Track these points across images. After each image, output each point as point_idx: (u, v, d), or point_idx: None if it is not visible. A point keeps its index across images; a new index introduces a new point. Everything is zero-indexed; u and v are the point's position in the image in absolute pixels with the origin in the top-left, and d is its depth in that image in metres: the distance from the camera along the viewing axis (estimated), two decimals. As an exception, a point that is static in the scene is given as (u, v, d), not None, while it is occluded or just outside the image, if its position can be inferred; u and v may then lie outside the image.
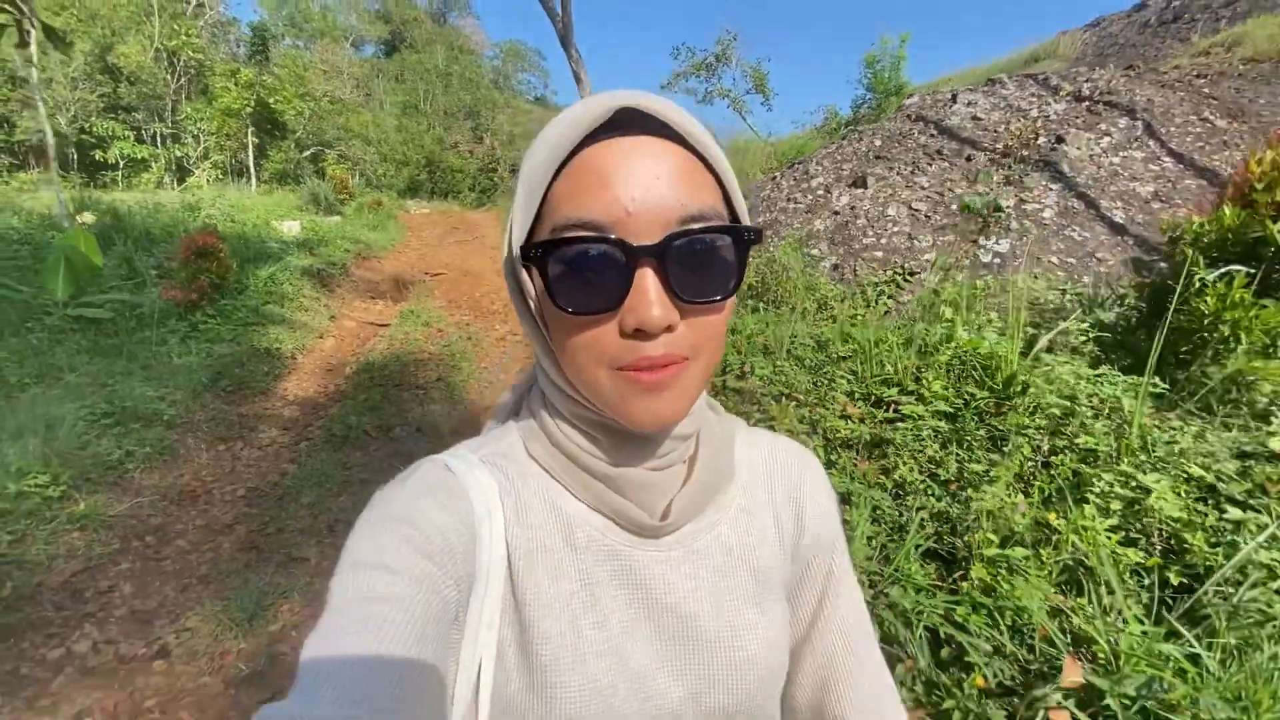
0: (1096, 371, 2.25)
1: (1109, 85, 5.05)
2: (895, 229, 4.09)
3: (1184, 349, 2.34)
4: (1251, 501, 1.61)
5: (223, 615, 2.27)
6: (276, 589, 2.44)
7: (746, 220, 0.45)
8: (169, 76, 23.95)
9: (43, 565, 2.44)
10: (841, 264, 4.05)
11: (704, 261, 0.40)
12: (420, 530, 0.40)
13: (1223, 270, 2.16)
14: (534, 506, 0.46)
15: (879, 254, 3.97)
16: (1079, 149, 4.29)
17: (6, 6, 6.23)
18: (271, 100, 22.71)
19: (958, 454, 2.00)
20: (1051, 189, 4.03)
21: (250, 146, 22.63)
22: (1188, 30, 9.65)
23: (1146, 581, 1.54)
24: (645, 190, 0.38)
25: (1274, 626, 1.33)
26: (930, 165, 4.56)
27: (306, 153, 24.27)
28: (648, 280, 0.38)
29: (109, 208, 8.18)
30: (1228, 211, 2.36)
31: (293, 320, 5.74)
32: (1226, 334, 2.19)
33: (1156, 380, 2.08)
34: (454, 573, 0.41)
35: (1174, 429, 1.96)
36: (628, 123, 0.39)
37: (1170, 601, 1.49)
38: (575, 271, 0.38)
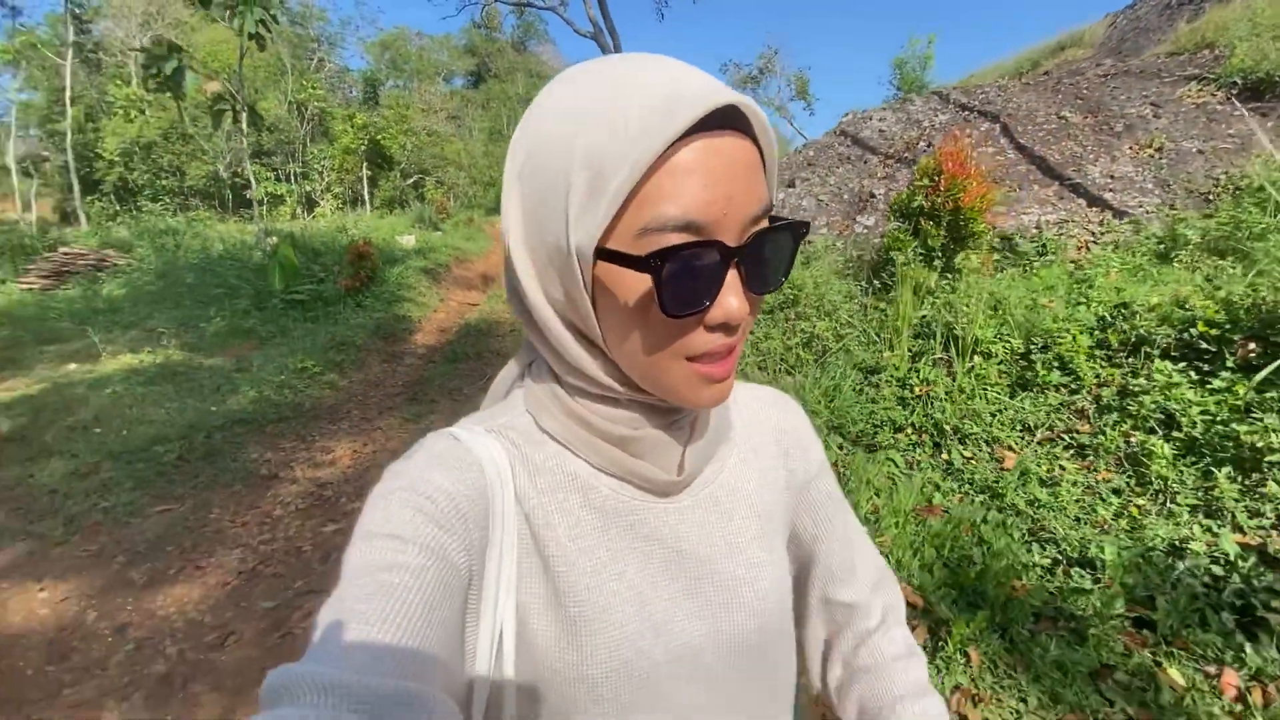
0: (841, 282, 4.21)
1: (990, 96, 6.69)
2: (804, 214, 6.02)
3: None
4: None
5: (401, 420, 4.63)
6: (426, 413, 4.79)
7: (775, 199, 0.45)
8: (299, 123, 28.28)
9: (314, 401, 4.92)
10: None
11: (775, 256, 0.42)
12: (429, 499, 0.41)
13: (894, 225, 4.02)
14: (545, 471, 0.47)
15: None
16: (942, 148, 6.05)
17: (230, 101, 9.27)
18: (380, 138, 26.61)
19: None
20: (901, 177, 5.80)
21: (364, 178, 26.68)
22: (1194, 14, 9.86)
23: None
24: (737, 190, 0.38)
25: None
26: (839, 168, 6.40)
27: (410, 180, 28.08)
28: (735, 278, 0.39)
29: (285, 232, 11.28)
30: (905, 192, 4.20)
31: (416, 300, 8.38)
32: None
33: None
34: (465, 539, 0.42)
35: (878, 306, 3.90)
36: (715, 118, 0.37)
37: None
38: (680, 275, 0.38)
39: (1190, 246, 3.92)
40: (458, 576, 0.41)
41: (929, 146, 6.19)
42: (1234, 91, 6.10)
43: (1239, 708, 1.60)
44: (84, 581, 2.60)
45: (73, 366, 6.00)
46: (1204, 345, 2.74)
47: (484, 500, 0.44)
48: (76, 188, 20.78)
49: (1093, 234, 4.98)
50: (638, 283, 0.39)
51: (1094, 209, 5.29)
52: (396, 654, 0.34)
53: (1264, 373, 2.45)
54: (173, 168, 25.33)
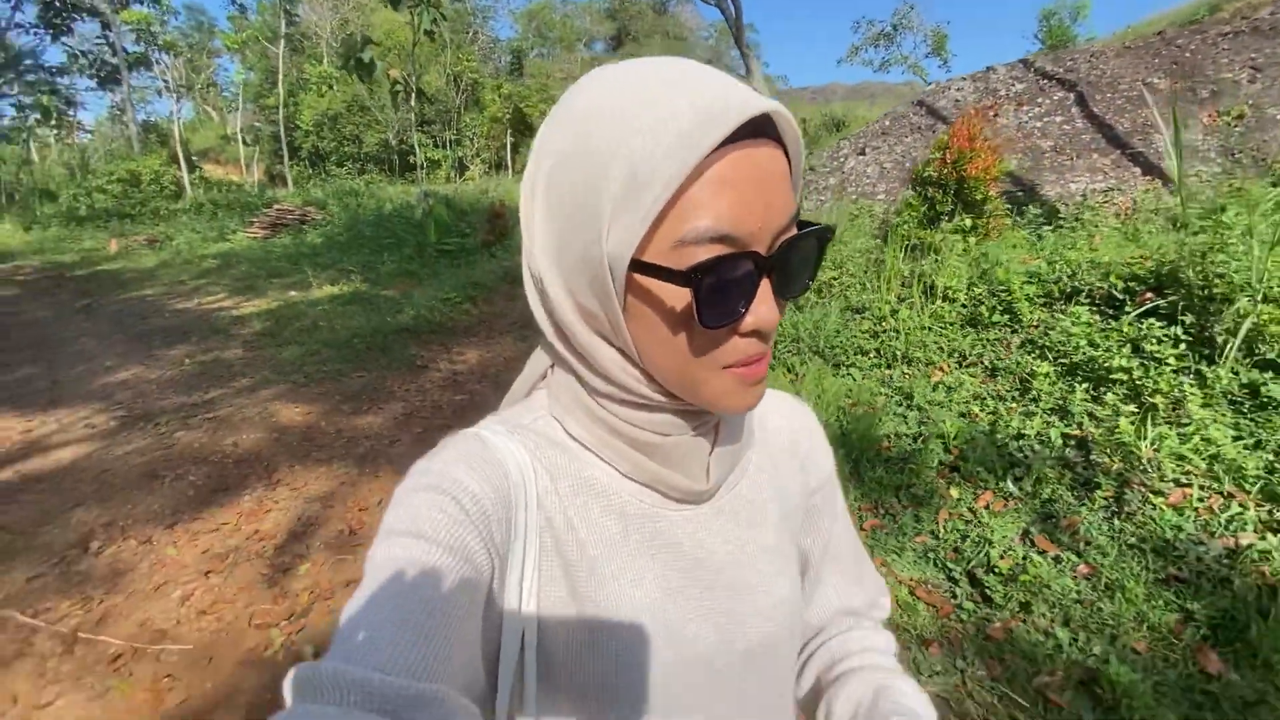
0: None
1: (1076, 64, 6.74)
2: (867, 181, 6.64)
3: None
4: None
5: (514, 340, 6.09)
6: (533, 338, 6.23)
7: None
8: (454, 94, 31.17)
9: (454, 321, 6.53)
10: (833, 205, 6.74)
11: (803, 262, 0.42)
12: (455, 499, 0.41)
13: (908, 193, 4.67)
14: (568, 475, 0.48)
15: (854, 197, 6.56)
16: (1007, 120, 6.31)
17: (399, 77, 11.24)
18: (523, 106, 28.86)
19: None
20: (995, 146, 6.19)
21: (508, 144, 29.20)
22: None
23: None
24: (770, 201, 0.38)
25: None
26: (908, 138, 6.86)
27: (548, 146, 30.22)
28: (769, 287, 0.39)
29: (440, 194, 13.40)
30: (921, 163, 4.78)
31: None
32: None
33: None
34: (489, 540, 0.41)
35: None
36: (748, 127, 0.37)
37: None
38: (718, 287, 0.38)
39: (1191, 213, 4.28)
40: (481, 578, 0.40)
41: (995, 116, 6.54)
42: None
43: (980, 507, 2.50)
44: (316, 408, 4.27)
45: (293, 293, 8.18)
46: (1116, 295, 3.38)
47: (508, 502, 0.44)
48: (285, 154, 24.82)
49: (1134, 201, 5.26)
50: (675, 296, 0.39)
51: (1147, 177, 5.50)
52: (419, 655, 0.34)
53: (1135, 313, 3.11)
54: (353, 136, 29.27)
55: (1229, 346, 2.72)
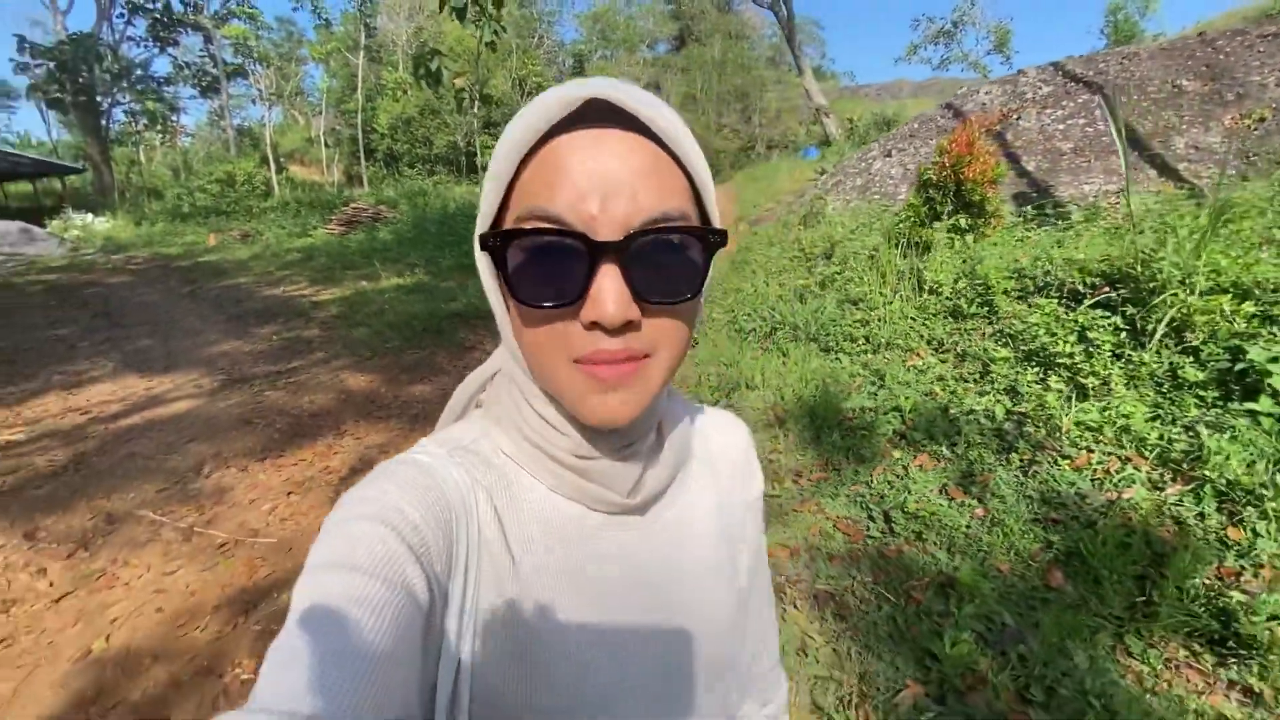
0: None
1: (1107, 67, 6.79)
2: (890, 183, 6.93)
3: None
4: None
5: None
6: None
7: (717, 220, 0.44)
8: (519, 97, 32.33)
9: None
10: (858, 203, 7.05)
11: (668, 262, 0.40)
12: (393, 529, 0.39)
13: (912, 195, 5.00)
14: (505, 496, 0.47)
15: (877, 196, 6.86)
16: (1029, 122, 6.46)
17: (464, 85, 12.14)
18: (583, 108, 29.73)
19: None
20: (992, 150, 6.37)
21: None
22: None
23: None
24: (611, 186, 0.37)
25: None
26: (933, 140, 7.09)
27: (605, 146, 31.01)
28: (609, 277, 0.38)
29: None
30: (924, 166, 5.08)
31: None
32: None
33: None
34: (429, 570, 0.40)
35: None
36: (599, 115, 0.38)
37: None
38: (536, 264, 0.38)
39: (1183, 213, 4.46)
40: (419, 610, 0.38)
41: (1017, 119, 6.72)
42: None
43: (914, 466, 2.92)
44: (379, 377, 5.02)
45: (364, 283, 9.12)
46: (1080, 289, 3.69)
47: (449, 529, 0.42)
48: (363, 156, 26.52)
49: (1145, 203, 5.39)
50: (502, 270, 0.40)
51: (1163, 179, 5.62)
52: (352, 699, 0.32)
53: (1088, 304, 3.43)
54: (424, 138, 30.93)
55: (1155, 334, 3.03)
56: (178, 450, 3.77)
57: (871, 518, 2.65)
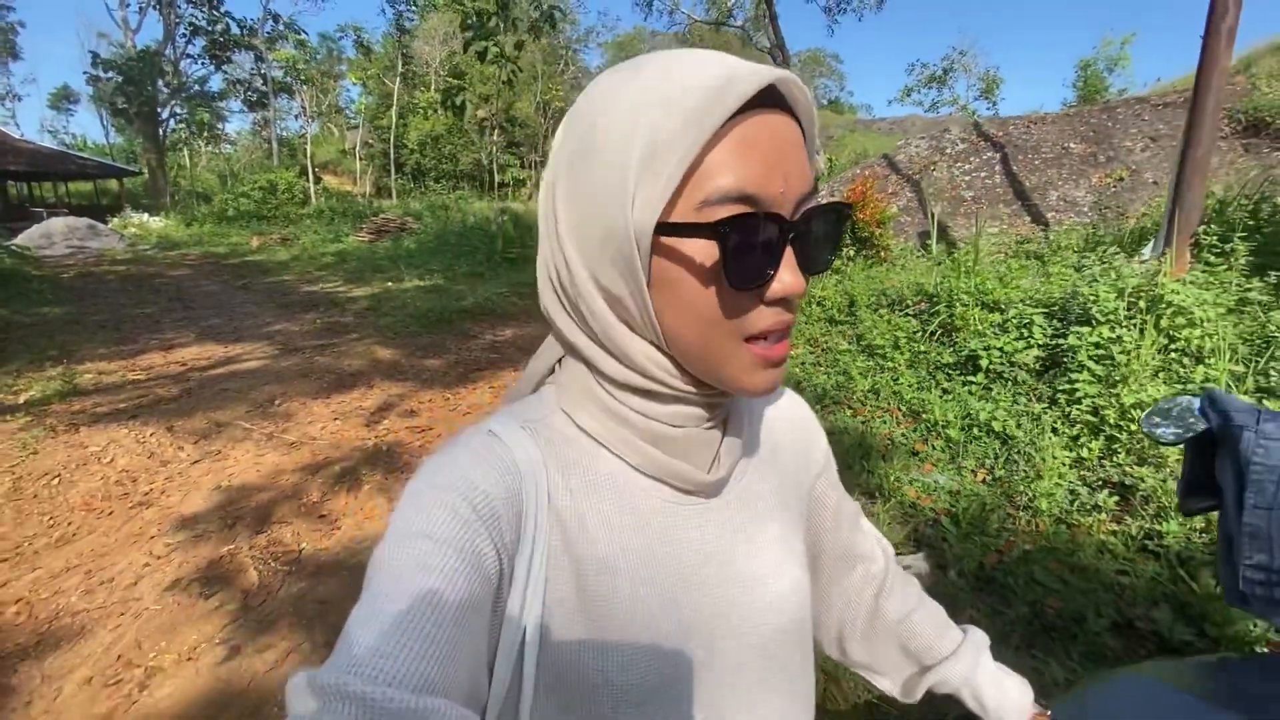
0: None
1: (1014, 130, 8.19)
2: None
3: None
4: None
5: (546, 328, 8.21)
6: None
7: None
8: (543, 120, 34.18)
9: (502, 309, 8.72)
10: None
11: (827, 235, 0.43)
12: (465, 498, 0.40)
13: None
14: (579, 470, 0.47)
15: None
16: (940, 173, 7.86)
17: (486, 115, 13.80)
18: (601, 133, 31.52)
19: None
20: (906, 194, 7.73)
21: (585, 167, 31.93)
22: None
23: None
24: (791, 167, 0.40)
25: None
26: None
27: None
28: (791, 254, 0.40)
29: (511, 210, 15.94)
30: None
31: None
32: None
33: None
34: (499, 541, 0.41)
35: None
36: (767, 97, 0.39)
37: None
38: (745, 246, 0.39)
39: (1018, 253, 5.83)
40: (489, 580, 0.40)
41: (930, 169, 8.12)
42: (1239, 126, 7.07)
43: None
44: (399, 352, 6.50)
45: (390, 284, 10.69)
46: (910, 303, 5.08)
47: (519, 500, 0.43)
48: (393, 170, 28.41)
49: (1014, 243, 6.75)
50: (702, 256, 0.39)
51: (1035, 225, 6.97)
52: (424, 666, 0.33)
53: (907, 313, 4.81)
54: (450, 155, 32.88)
55: (932, 333, 4.40)
56: (255, 390, 5.25)
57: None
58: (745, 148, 0.38)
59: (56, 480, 3.63)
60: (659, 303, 0.42)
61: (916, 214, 7.57)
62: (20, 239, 14.83)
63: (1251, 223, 4.47)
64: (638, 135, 0.39)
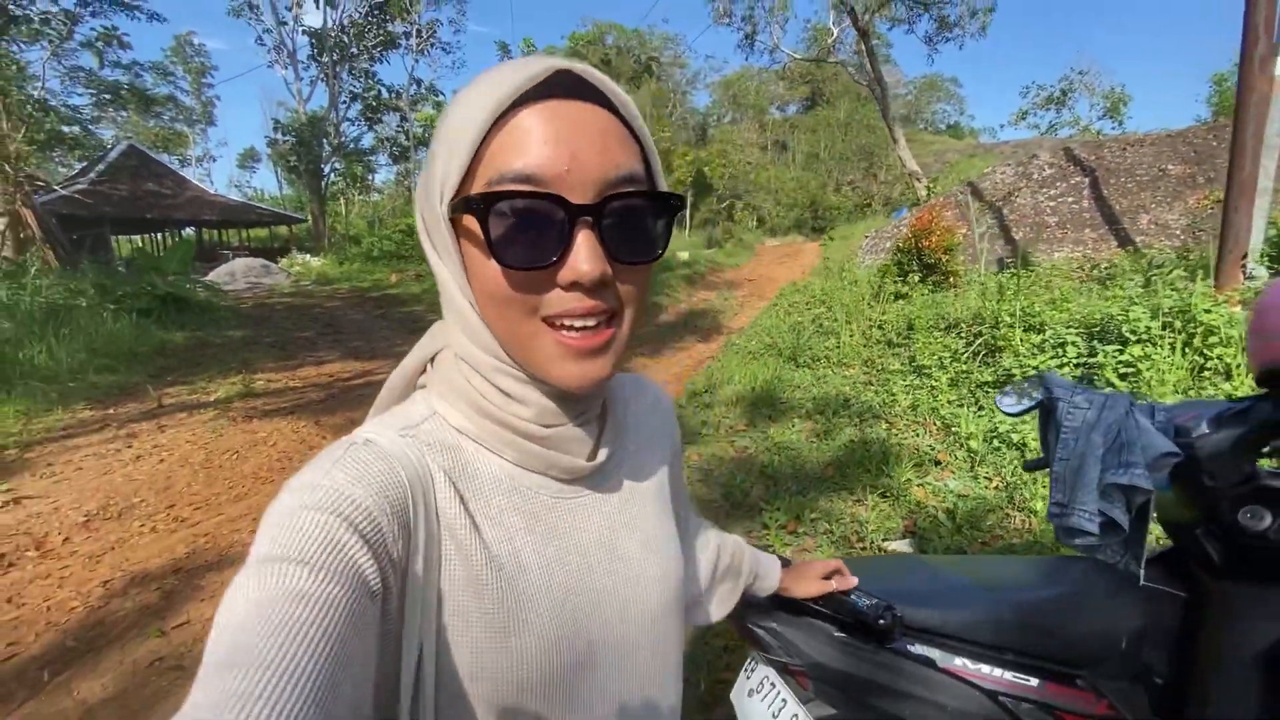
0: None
1: (1107, 154, 7.91)
2: (907, 246, 8.50)
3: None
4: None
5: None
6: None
7: (663, 186, 0.47)
8: (651, 159, 35.67)
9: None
10: (884, 260, 8.65)
11: (637, 224, 0.43)
12: (344, 518, 0.38)
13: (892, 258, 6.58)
14: (464, 474, 0.47)
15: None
16: (1024, 199, 7.75)
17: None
18: (705, 169, 32.61)
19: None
20: (988, 220, 7.67)
21: (688, 203, 33.03)
22: None
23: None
24: (582, 149, 0.40)
25: None
26: (949, 211, 8.51)
27: (724, 204, 33.60)
28: (585, 238, 0.40)
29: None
30: (907, 233, 6.63)
31: (672, 295, 12.88)
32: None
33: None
34: (385, 556, 0.39)
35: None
36: (560, 87, 0.41)
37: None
38: (518, 225, 0.39)
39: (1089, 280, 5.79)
40: (374, 603, 0.37)
41: (1012, 196, 8.07)
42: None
43: (799, 427, 4.68)
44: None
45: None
46: (962, 326, 5.26)
47: (405, 513, 0.41)
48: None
49: (1096, 267, 6.59)
50: (480, 232, 0.40)
51: (1120, 249, 6.77)
52: (299, 707, 0.30)
53: (961, 335, 5.01)
54: (565, 196, 35.10)
55: (980, 354, 4.60)
56: (382, 397, 6.34)
57: (753, 447, 4.47)
58: (528, 131, 0.40)
59: (235, 456, 4.74)
60: (474, 285, 0.45)
61: (998, 240, 7.56)
62: (211, 276, 17.91)
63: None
64: (447, 136, 0.42)
